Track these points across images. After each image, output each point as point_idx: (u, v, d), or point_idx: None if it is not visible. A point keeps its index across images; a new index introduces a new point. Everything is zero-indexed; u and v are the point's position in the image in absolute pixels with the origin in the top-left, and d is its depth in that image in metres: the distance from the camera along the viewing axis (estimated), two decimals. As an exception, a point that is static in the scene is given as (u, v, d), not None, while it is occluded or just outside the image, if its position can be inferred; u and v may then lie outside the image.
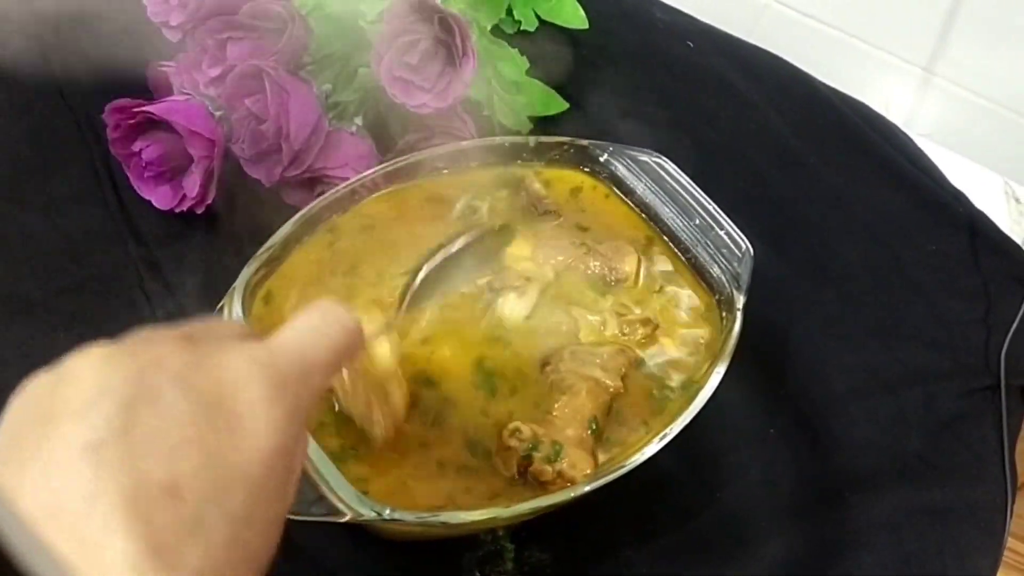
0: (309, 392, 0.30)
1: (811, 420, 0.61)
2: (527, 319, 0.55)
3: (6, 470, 0.24)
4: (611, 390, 0.51)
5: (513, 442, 0.49)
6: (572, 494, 0.46)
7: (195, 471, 0.25)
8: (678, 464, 0.57)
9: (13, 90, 0.66)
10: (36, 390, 0.26)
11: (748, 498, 0.57)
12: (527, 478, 0.48)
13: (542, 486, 0.48)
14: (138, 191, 0.61)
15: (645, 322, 0.55)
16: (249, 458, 0.26)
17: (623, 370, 0.52)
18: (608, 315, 0.55)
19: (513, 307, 0.55)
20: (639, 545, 0.54)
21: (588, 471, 0.48)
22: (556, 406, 0.50)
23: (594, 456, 0.49)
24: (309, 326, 0.32)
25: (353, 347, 0.33)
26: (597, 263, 0.58)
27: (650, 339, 0.55)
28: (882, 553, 0.56)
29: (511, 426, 0.49)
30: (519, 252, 0.58)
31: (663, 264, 0.59)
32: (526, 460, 0.48)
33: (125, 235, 0.60)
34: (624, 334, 0.55)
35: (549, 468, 0.48)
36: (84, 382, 0.26)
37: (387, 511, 0.43)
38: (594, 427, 0.50)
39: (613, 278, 0.57)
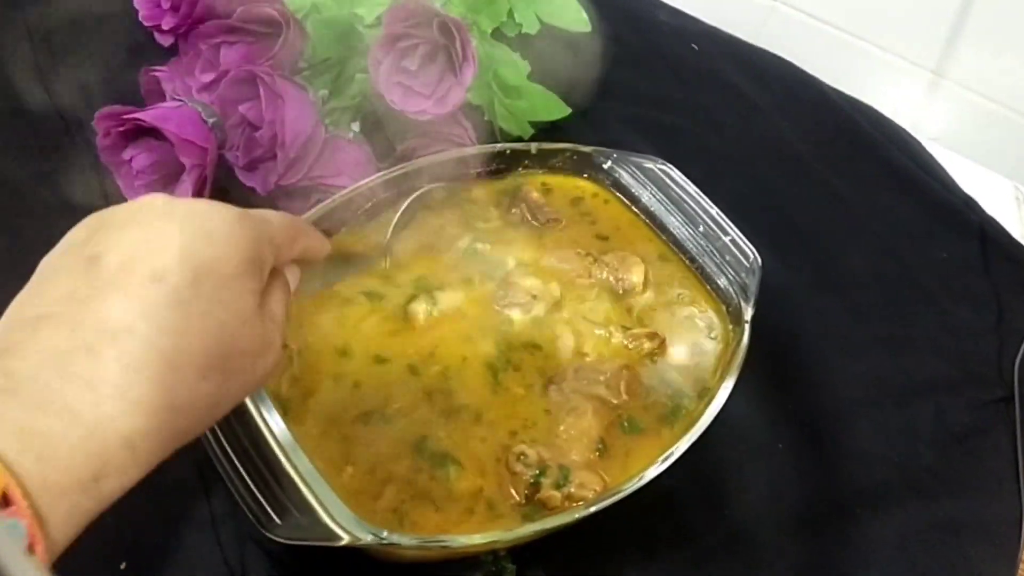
0: (267, 238, 0.35)
1: (819, 433, 0.60)
2: (531, 335, 0.53)
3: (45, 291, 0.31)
4: (616, 407, 0.50)
5: (519, 467, 0.48)
6: (575, 516, 0.45)
7: (176, 264, 0.31)
8: (683, 480, 0.55)
9: (2, 96, 0.64)
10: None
11: (754, 514, 0.55)
12: (534, 503, 0.47)
13: (551, 511, 0.47)
14: (129, 200, 0.59)
15: (651, 336, 0.53)
16: (220, 259, 0.32)
17: (628, 385, 0.51)
18: (614, 328, 0.54)
19: (518, 323, 0.53)
20: (643, 564, 0.52)
21: (598, 488, 0.46)
22: (561, 428, 0.49)
23: (602, 476, 0.47)
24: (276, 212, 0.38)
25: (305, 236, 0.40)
26: (603, 273, 0.56)
27: (658, 352, 0.54)
28: (892, 571, 0.54)
29: (516, 450, 0.48)
30: (524, 261, 0.56)
31: (672, 274, 0.58)
32: (534, 486, 0.47)
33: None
34: (630, 348, 0.53)
35: (558, 494, 0.47)
36: (87, 226, 0.33)
37: (384, 534, 0.42)
38: (601, 448, 0.48)
39: (620, 288, 0.56)
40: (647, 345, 0.53)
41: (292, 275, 0.40)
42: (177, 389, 0.30)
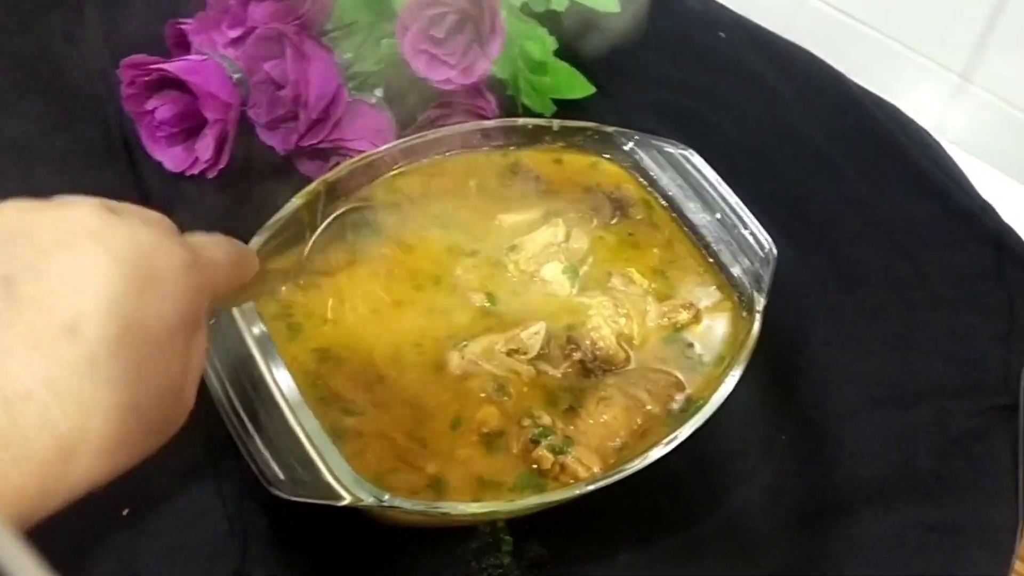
0: (212, 287, 0.32)
1: (822, 429, 0.59)
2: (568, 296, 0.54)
3: None
4: (649, 414, 0.50)
5: (527, 422, 0.48)
6: (576, 491, 0.45)
7: (97, 315, 0.27)
8: (685, 466, 0.55)
9: (27, 41, 0.64)
10: None
11: (753, 505, 0.55)
12: (528, 461, 0.48)
13: (541, 474, 0.47)
14: (150, 152, 0.59)
15: (687, 306, 0.54)
16: (154, 315, 0.28)
17: (670, 401, 0.51)
18: (651, 300, 0.54)
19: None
20: (639, 546, 0.53)
21: (596, 470, 0.47)
22: (585, 411, 0.50)
23: (604, 460, 0.48)
24: (224, 243, 0.35)
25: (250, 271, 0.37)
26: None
27: (693, 322, 0.55)
28: (886, 570, 0.54)
29: (536, 411, 0.49)
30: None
31: (685, 260, 0.58)
32: (533, 443, 0.48)
33: (134, 196, 0.58)
34: (665, 321, 0.54)
35: (551, 457, 0.47)
36: (7, 226, 0.28)
37: (386, 497, 0.42)
38: (621, 449, 0.49)
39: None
40: (683, 315, 0.54)
41: None
42: (66, 478, 0.26)
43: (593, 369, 0.52)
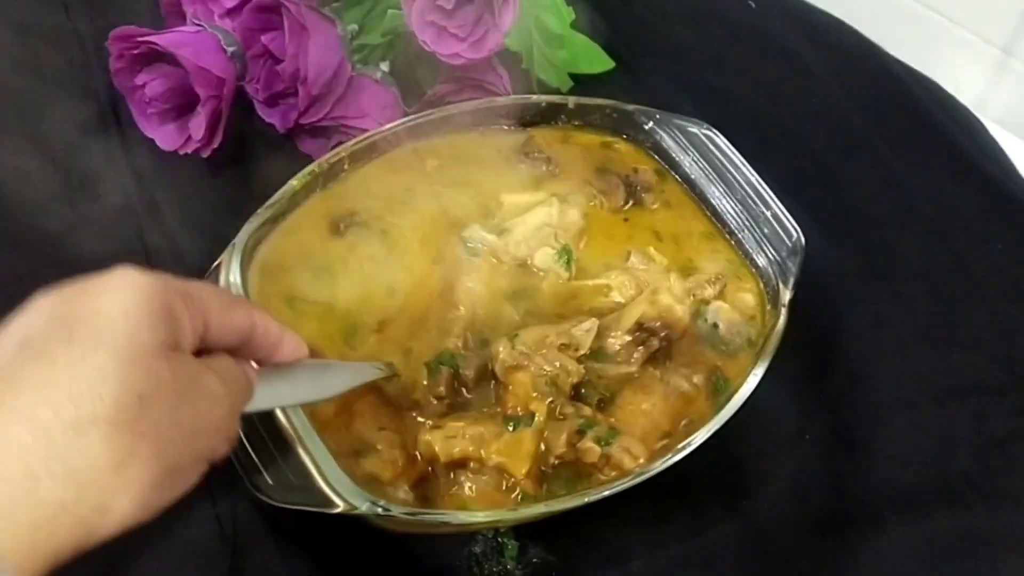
0: (183, 294, 0.32)
1: (850, 429, 0.56)
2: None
3: None
4: (688, 398, 0.48)
5: (569, 409, 0.47)
6: (585, 499, 0.43)
7: (44, 324, 0.30)
8: (701, 466, 0.52)
9: (14, 6, 0.62)
10: None
11: (775, 510, 0.53)
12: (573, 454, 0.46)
13: (585, 467, 0.46)
14: (142, 129, 0.57)
15: (714, 280, 0.52)
16: (103, 304, 0.30)
17: (708, 387, 0.49)
18: (674, 277, 0.52)
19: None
20: (651, 552, 0.50)
21: (642, 460, 0.45)
22: (623, 401, 0.48)
23: (651, 450, 0.46)
24: None
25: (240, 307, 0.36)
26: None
27: (720, 299, 0.52)
28: (917, 581, 0.51)
29: (575, 403, 0.47)
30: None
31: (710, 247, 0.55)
32: (579, 435, 0.46)
33: (125, 175, 0.56)
34: (692, 296, 0.51)
35: (597, 449, 0.45)
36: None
37: (382, 504, 0.40)
38: (664, 435, 0.47)
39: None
40: (709, 291, 0.51)
41: (250, 371, 0.36)
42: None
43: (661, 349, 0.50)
